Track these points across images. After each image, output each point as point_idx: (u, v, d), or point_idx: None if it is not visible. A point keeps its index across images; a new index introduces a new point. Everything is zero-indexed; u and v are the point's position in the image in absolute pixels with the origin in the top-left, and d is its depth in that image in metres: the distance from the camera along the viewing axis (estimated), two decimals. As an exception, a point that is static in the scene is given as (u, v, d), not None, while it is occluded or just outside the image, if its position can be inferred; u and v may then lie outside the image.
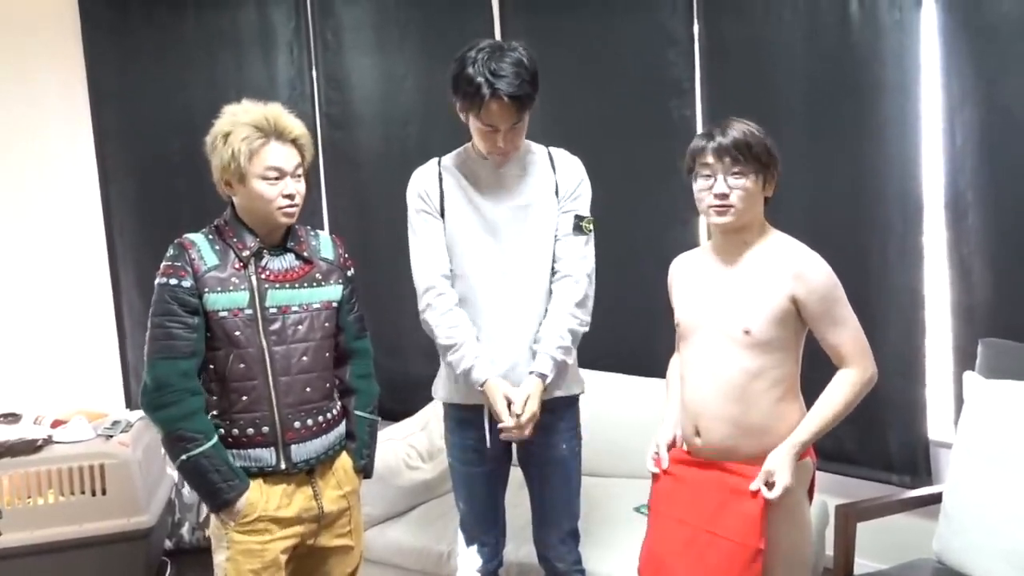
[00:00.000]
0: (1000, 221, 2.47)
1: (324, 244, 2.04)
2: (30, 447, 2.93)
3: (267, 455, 1.90)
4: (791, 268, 1.85)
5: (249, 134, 1.85)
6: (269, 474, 1.91)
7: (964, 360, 2.50)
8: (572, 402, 2.27)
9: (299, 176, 1.92)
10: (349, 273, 2.07)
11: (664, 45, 3.04)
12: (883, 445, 2.77)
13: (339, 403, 2.04)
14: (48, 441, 3.00)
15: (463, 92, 2.02)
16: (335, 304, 2.00)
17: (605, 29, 3.14)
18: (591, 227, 2.17)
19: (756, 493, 1.83)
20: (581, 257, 2.15)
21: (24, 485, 2.88)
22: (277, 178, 1.88)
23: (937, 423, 2.71)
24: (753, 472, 1.84)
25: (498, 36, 3.32)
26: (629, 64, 3.11)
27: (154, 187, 3.47)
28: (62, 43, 3.51)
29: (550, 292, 2.15)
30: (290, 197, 1.89)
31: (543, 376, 2.10)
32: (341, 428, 2.03)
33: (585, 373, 2.99)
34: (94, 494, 2.92)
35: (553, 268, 2.16)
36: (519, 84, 1.98)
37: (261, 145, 1.86)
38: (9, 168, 3.53)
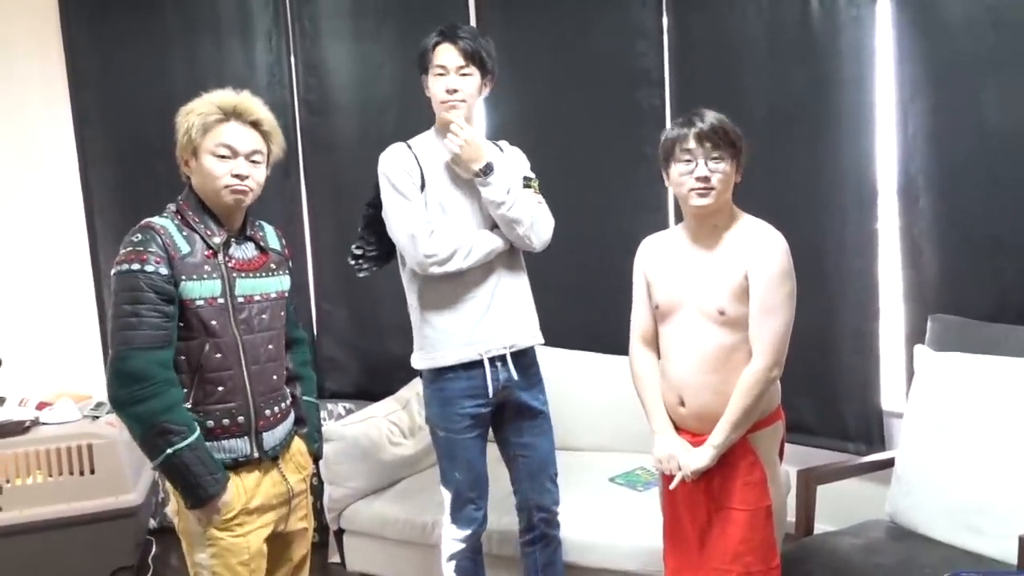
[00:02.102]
0: (948, 205, 2.63)
1: (270, 235, 2.04)
2: (18, 428, 2.98)
3: (242, 445, 1.87)
4: (751, 245, 1.97)
5: (208, 110, 1.83)
6: (242, 465, 1.88)
7: (915, 335, 2.66)
8: (535, 355, 2.42)
9: (256, 162, 1.88)
10: (291, 264, 2.07)
11: (634, 37, 3.16)
12: (840, 416, 2.93)
13: (288, 390, 2.05)
14: (35, 423, 3.05)
15: (420, 56, 2.26)
16: (286, 294, 2.02)
17: (578, 21, 3.24)
18: (535, 184, 2.36)
19: (755, 462, 1.98)
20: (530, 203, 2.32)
21: (13, 466, 2.92)
22: (228, 156, 1.83)
23: (890, 395, 2.88)
24: (743, 445, 1.99)
25: (472, 23, 3.39)
26: (601, 55, 3.23)
27: (134, 172, 3.49)
28: (41, 28, 3.49)
29: (519, 255, 2.36)
30: (239, 177, 1.83)
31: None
32: (292, 414, 2.04)
33: (557, 352, 3.15)
34: (82, 473, 2.97)
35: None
36: (468, 37, 2.23)
37: (217, 122, 1.83)
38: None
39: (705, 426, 2.01)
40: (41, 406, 3.15)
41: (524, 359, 2.35)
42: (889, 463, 2.45)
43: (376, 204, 2.34)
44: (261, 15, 3.52)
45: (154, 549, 3.34)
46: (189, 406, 1.82)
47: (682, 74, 3.12)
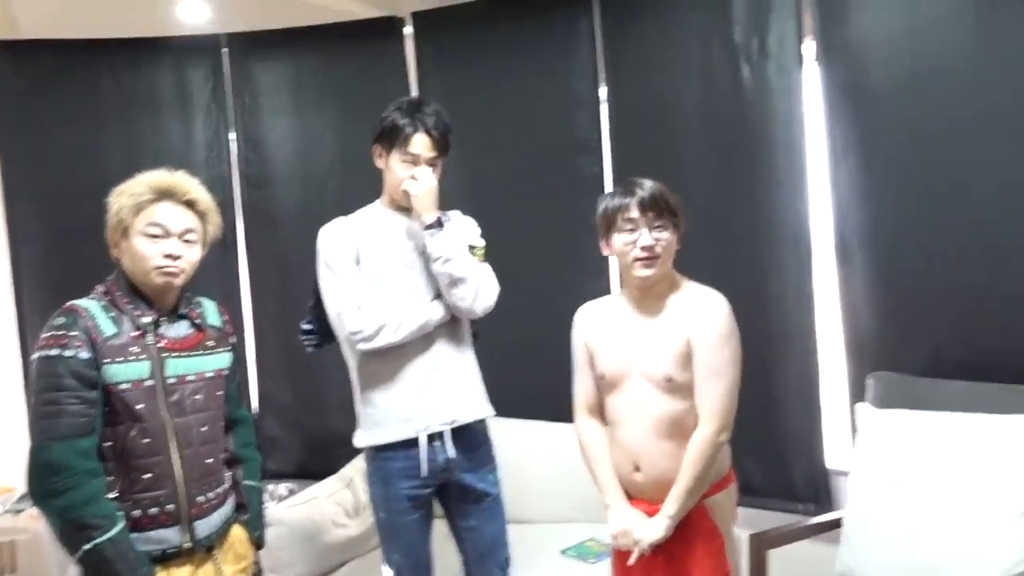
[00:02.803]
0: (882, 263, 2.68)
1: (210, 311, 1.98)
2: (-65, 523, 2.83)
3: (172, 535, 1.78)
4: (693, 311, 1.97)
5: (140, 191, 1.80)
6: (172, 556, 1.79)
7: (857, 392, 2.67)
8: (486, 432, 2.37)
9: (190, 241, 1.84)
10: (232, 340, 2.01)
11: (573, 107, 3.23)
12: (787, 476, 2.92)
13: (228, 473, 1.98)
14: (-45, 518, 2.90)
15: (388, 133, 2.22)
16: (225, 372, 1.95)
17: (518, 91, 3.31)
18: (482, 253, 2.34)
19: (714, 529, 1.96)
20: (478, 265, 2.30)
21: (-70, 564, 2.77)
22: (160, 236, 1.79)
23: (837, 453, 2.87)
24: (699, 505, 1.97)
25: (415, 94, 3.44)
26: (541, 124, 3.29)
27: (65, 253, 3.39)
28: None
29: (466, 329, 2.32)
30: (171, 257, 1.79)
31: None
32: (232, 499, 1.96)
33: (505, 422, 3.09)
34: (3, 573, 2.83)
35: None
36: (439, 124, 2.23)
37: (148, 202, 1.80)
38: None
39: (662, 494, 1.97)
40: (-39, 500, 3.00)
41: (469, 436, 2.29)
42: (838, 523, 2.44)
43: None
44: (200, 91, 3.53)
45: (84, 647, 3.15)
46: (116, 495, 1.74)
47: (620, 142, 3.18)
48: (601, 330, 2.10)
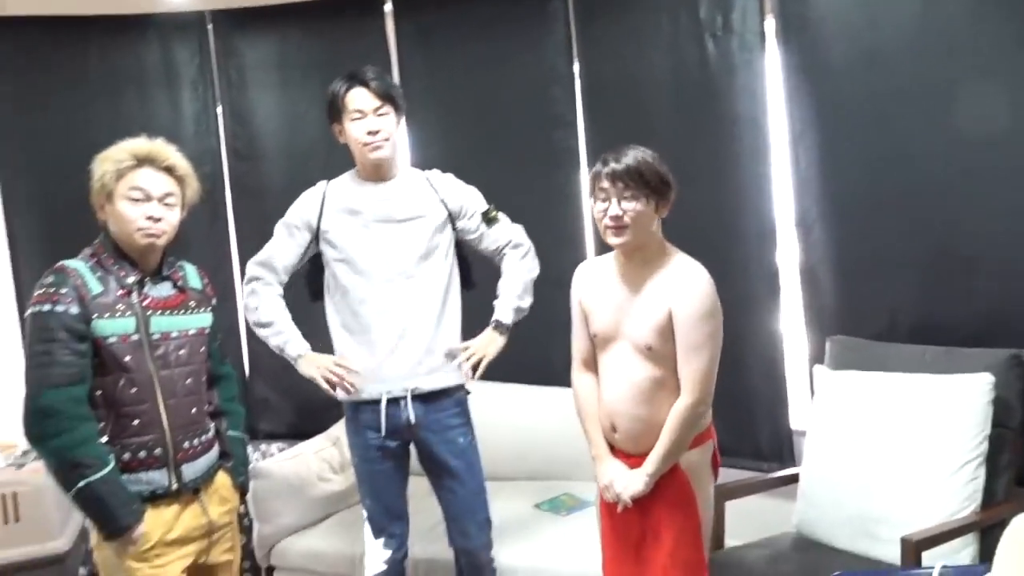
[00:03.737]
0: (840, 233, 2.79)
1: (191, 274, 2.11)
2: (-60, 479, 2.96)
3: (160, 476, 1.91)
4: (676, 285, 2.03)
5: (121, 157, 1.91)
6: (160, 497, 1.92)
7: (816, 356, 2.80)
8: (459, 397, 2.48)
9: (170, 204, 1.95)
10: (214, 302, 2.15)
11: (548, 82, 3.33)
12: (754, 437, 3.05)
13: (212, 424, 2.11)
14: (-42, 473, 3.03)
15: (332, 104, 2.35)
16: (207, 331, 2.08)
17: (495, 66, 3.40)
18: (495, 212, 2.50)
19: (684, 482, 2.07)
20: (508, 228, 2.51)
21: (-64, 515, 2.89)
22: (141, 199, 1.90)
23: (799, 414, 3.01)
24: (673, 466, 2.07)
25: (395, 71, 3.54)
26: (517, 99, 3.38)
27: (58, 222, 3.47)
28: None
29: (442, 296, 2.42)
30: (152, 219, 1.91)
31: (502, 325, 2.42)
32: (216, 448, 2.09)
33: (486, 384, 3.23)
34: (7, 522, 2.96)
35: (498, 250, 2.51)
36: (377, 78, 2.33)
37: (129, 168, 1.91)
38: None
39: (638, 448, 2.09)
40: (-36, 456, 3.13)
41: (435, 402, 2.40)
42: (795, 478, 2.58)
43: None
44: (186, 66, 3.60)
45: (83, 597, 3.30)
46: (106, 439, 1.87)
47: (594, 116, 3.28)
48: (594, 290, 2.18)
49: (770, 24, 2.85)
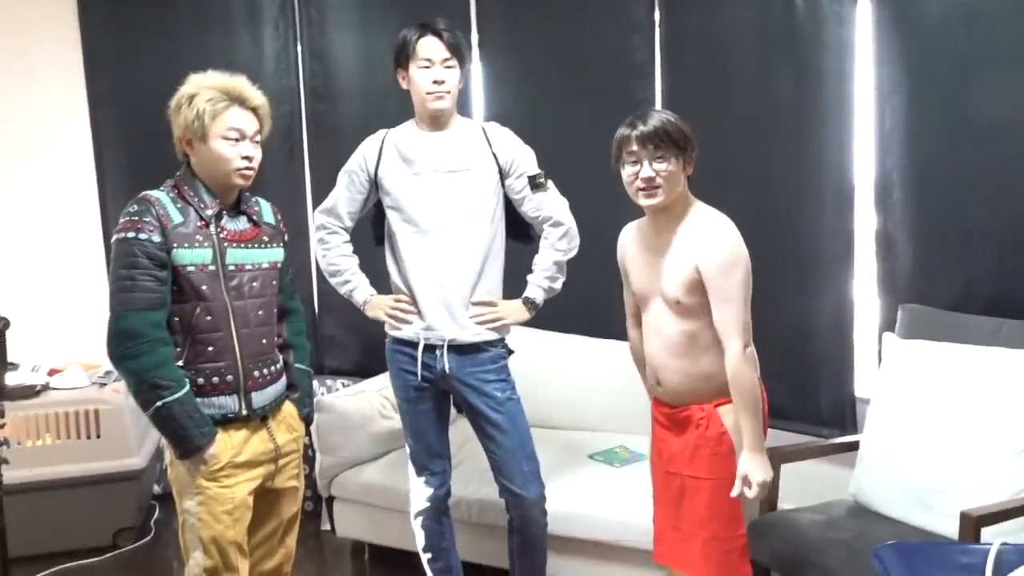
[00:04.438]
0: (921, 199, 2.70)
1: (265, 210, 2.15)
2: (29, 392, 3.14)
3: (231, 402, 1.98)
4: (700, 239, 2.03)
5: (214, 96, 1.94)
6: (231, 421, 1.99)
7: (887, 324, 2.74)
8: (497, 353, 2.47)
9: (257, 143, 2.01)
10: (286, 238, 2.20)
11: (627, 30, 3.27)
12: (815, 402, 3.01)
13: (280, 356, 2.16)
14: (46, 387, 3.21)
15: (400, 50, 2.37)
16: (279, 265, 2.13)
17: (574, 14, 3.35)
18: (544, 179, 2.48)
19: (724, 433, 2.06)
20: (552, 201, 2.49)
21: (24, 428, 3.07)
22: (238, 139, 1.95)
23: (864, 382, 2.95)
24: (711, 412, 2.07)
25: (473, 17, 3.51)
26: (595, 47, 3.33)
27: (144, 154, 3.56)
28: (59, 13, 3.63)
29: (484, 251, 2.42)
30: (247, 159, 1.97)
31: (531, 301, 2.46)
32: (284, 378, 2.15)
33: (541, 333, 3.26)
34: (89, 437, 3.13)
35: (535, 218, 2.49)
36: (449, 30, 2.34)
37: (224, 108, 1.94)
38: (6, 134, 3.67)
39: (680, 400, 2.12)
40: (52, 372, 3.31)
41: (469, 356, 2.41)
42: (855, 446, 2.54)
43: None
44: (269, 4, 3.64)
45: (156, 513, 3.49)
46: (181, 364, 1.94)
47: (672, 67, 3.21)
48: (632, 252, 2.22)
49: (863, -24, 2.73)
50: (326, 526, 3.26)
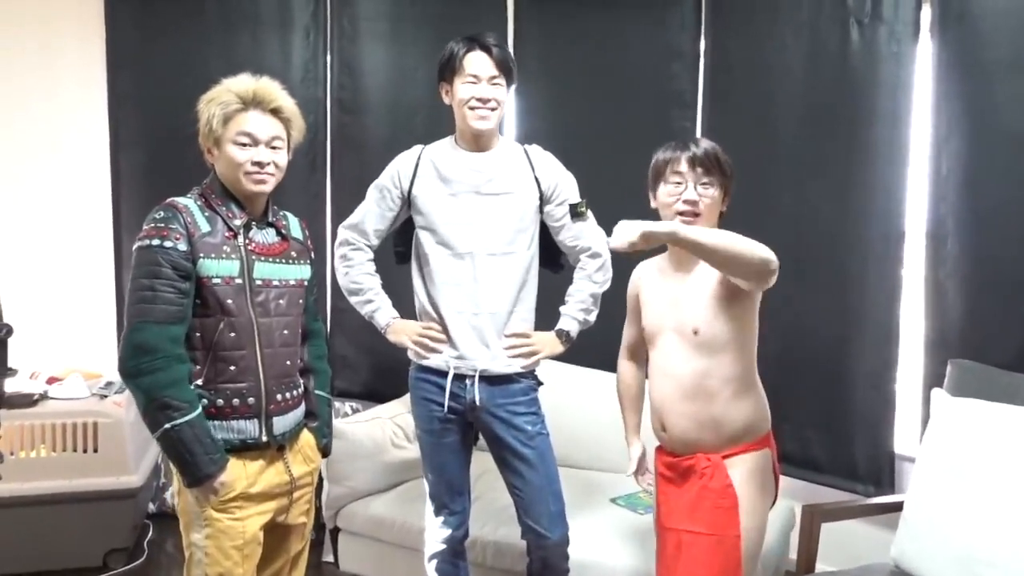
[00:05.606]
0: (976, 249, 2.58)
1: (294, 225, 2.07)
2: (26, 401, 3.00)
3: (251, 427, 1.87)
4: None
5: (228, 100, 1.86)
6: (248, 448, 1.88)
7: (933, 379, 2.61)
8: (529, 385, 2.36)
9: (277, 148, 1.91)
10: (312, 255, 2.10)
11: (670, 58, 3.17)
12: (851, 455, 2.88)
13: (301, 380, 2.06)
14: (44, 396, 3.07)
15: (446, 63, 2.27)
16: (305, 283, 2.03)
17: (615, 37, 3.25)
18: (585, 208, 2.38)
19: (729, 486, 1.92)
20: (591, 232, 2.39)
21: (18, 438, 2.93)
22: (249, 144, 1.87)
23: (903, 438, 2.82)
24: (717, 463, 1.94)
25: (511, 36, 3.43)
26: (635, 73, 3.23)
27: (163, 157, 3.51)
28: (84, 9, 3.54)
29: (521, 278, 2.32)
30: (259, 165, 1.88)
31: (565, 333, 2.36)
32: (303, 405, 2.04)
33: (565, 367, 3.13)
34: (85, 451, 2.99)
35: (572, 247, 2.40)
36: (498, 46, 2.25)
37: (237, 111, 1.86)
38: (23, 129, 3.57)
39: (685, 449, 2.00)
40: (51, 380, 3.18)
41: (500, 387, 2.30)
42: (897, 506, 2.40)
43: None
44: (301, 12, 3.56)
45: (151, 533, 3.34)
46: (200, 383, 1.83)
47: (715, 98, 3.11)
48: (649, 285, 2.15)
49: (925, 14, 2.63)
50: (328, 557, 3.11)
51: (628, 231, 1.80)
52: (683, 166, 1.97)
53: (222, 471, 1.83)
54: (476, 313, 2.27)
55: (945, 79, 2.60)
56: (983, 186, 2.56)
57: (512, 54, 2.32)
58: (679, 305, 2.01)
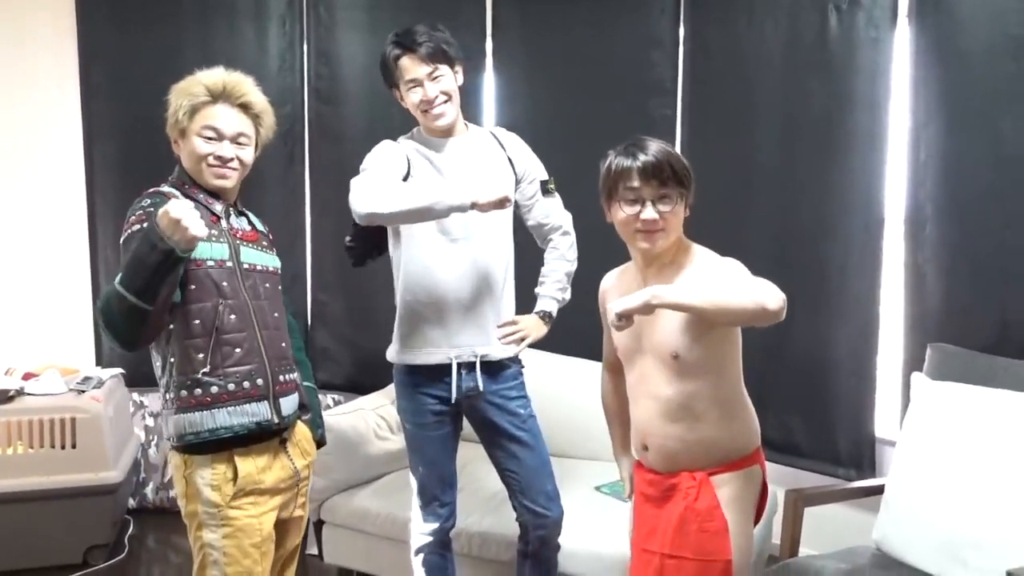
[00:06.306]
0: (955, 234, 2.60)
1: (255, 219, 2.05)
2: (2, 397, 2.96)
3: (263, 409, 1.85)
4: (707, 276, 1.78)
5: (197, 91, 1.85)
6: (256, 439, 1.86)
7: (913, 363, 2.63)
8: (517, 370, 2.36)
9: (243, 144, 1.90)
10: (274, 251, 2.07)
11: (649, 45, 3.16)
12: (832, 440, 2.90)
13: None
14: (20, 392, 3.03)
15: (386, 72, 2.24)
16: (279, 273, 2.03)
17: (594, 26, 3.24)
18: (553, 185, 2.38)
19: (715, 507, 1.78)
20: (561, 210, 2.40)
21: (-6, 434, 2.90)
22: (214, 139, 1.85)
23: (884, 422, 2.84)
24: (703, 480, 1.80)
25: (489, 25, 3.40)
26: (615, 61, 3.22)
27: (137, 150, 3.46)
28: (55, 1, 3.49)
29: (508, 260, 2.32)
30: (221, 160, 1.86)
31: (547, 314, 2.33)
32: (297, 393, 2.01)
33: (548, 356, 3.12)
34: (64, 447, 2.95)
35: (542, 225, 2.39)
36: (425, 39, 2.17)
37: (204, 104, 1.85)
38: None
39: (669, 467, 1.86)
40: (27, 376, 3.14)
41: (495, 373, 2.30)
42: (879, 490, 2.42)
43: None
44: (276, 1, 3.51)
45: (131, 529, 3.31)
46: (207, 371, 1.79)
47: (695, 85, 3.10)
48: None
49: (903, 0, 2.63)
50: (312, 550, 3.09)
51: (609, 315, 1.70)
52: (635, 180, 1.74)
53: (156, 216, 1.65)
54: (474, 298, 2.25)
55: (923, 65, 2.61)
56: (961, 171, 2.57)
57: (445, 34, 2.22)
58: (653, 325, 1.80)
